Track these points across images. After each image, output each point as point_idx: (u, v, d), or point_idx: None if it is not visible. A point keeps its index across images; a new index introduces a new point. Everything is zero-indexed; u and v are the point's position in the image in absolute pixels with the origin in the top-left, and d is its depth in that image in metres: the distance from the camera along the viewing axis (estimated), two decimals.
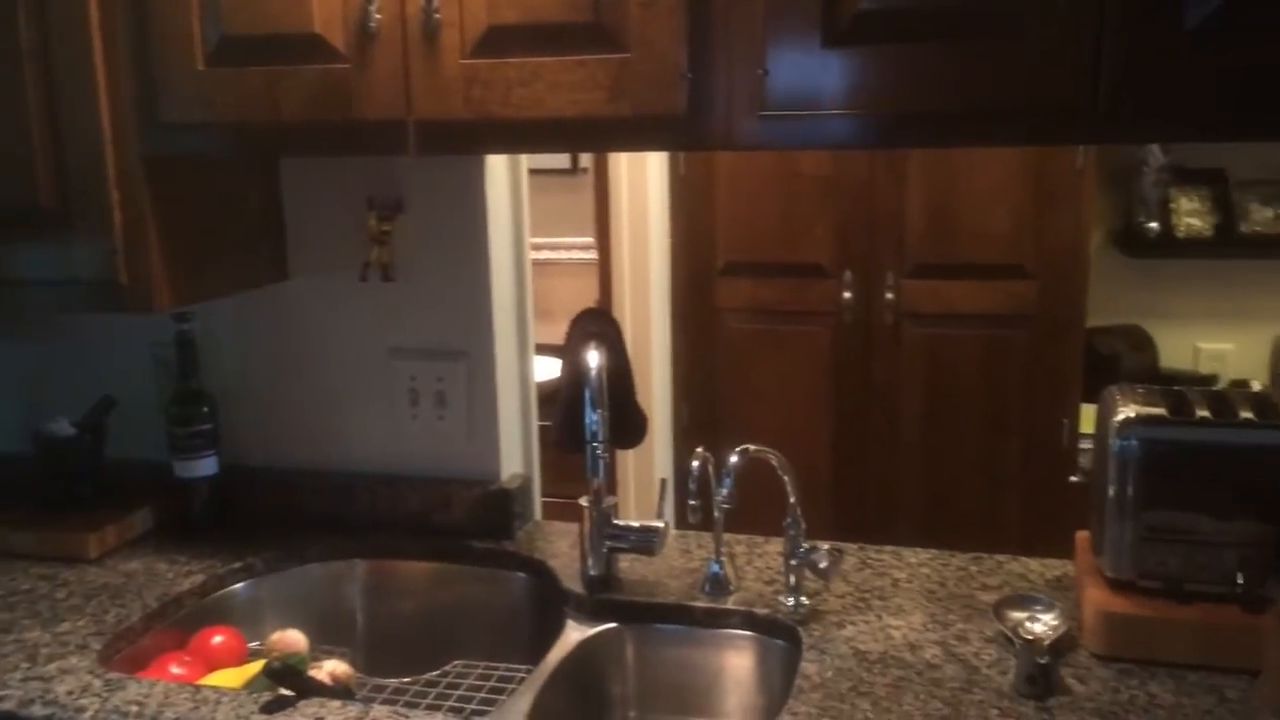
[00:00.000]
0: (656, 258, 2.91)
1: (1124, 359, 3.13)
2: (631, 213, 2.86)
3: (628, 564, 1.66)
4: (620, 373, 1.47)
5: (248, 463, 1.89)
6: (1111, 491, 1.41)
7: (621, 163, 2.84)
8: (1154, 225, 3.09)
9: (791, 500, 1.50)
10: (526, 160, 1.86)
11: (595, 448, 1.40)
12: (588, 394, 1.40)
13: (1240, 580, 1.35)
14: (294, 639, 1.58)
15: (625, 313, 2.92)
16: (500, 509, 1.79)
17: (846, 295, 2.80)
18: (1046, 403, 2.73)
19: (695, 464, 1.47)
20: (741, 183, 2.85)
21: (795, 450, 2.91)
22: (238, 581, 1.70)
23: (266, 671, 1.36)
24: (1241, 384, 3.19)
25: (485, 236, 1.75)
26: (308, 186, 1.80)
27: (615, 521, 1.58)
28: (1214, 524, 1.37)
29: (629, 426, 1.50)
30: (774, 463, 1.48)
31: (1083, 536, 1.59)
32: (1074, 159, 2.61)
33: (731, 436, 2.94)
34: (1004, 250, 2.69)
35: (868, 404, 2.84)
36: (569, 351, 1.50)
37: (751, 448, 1.47)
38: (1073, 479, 2.74)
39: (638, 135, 1.36)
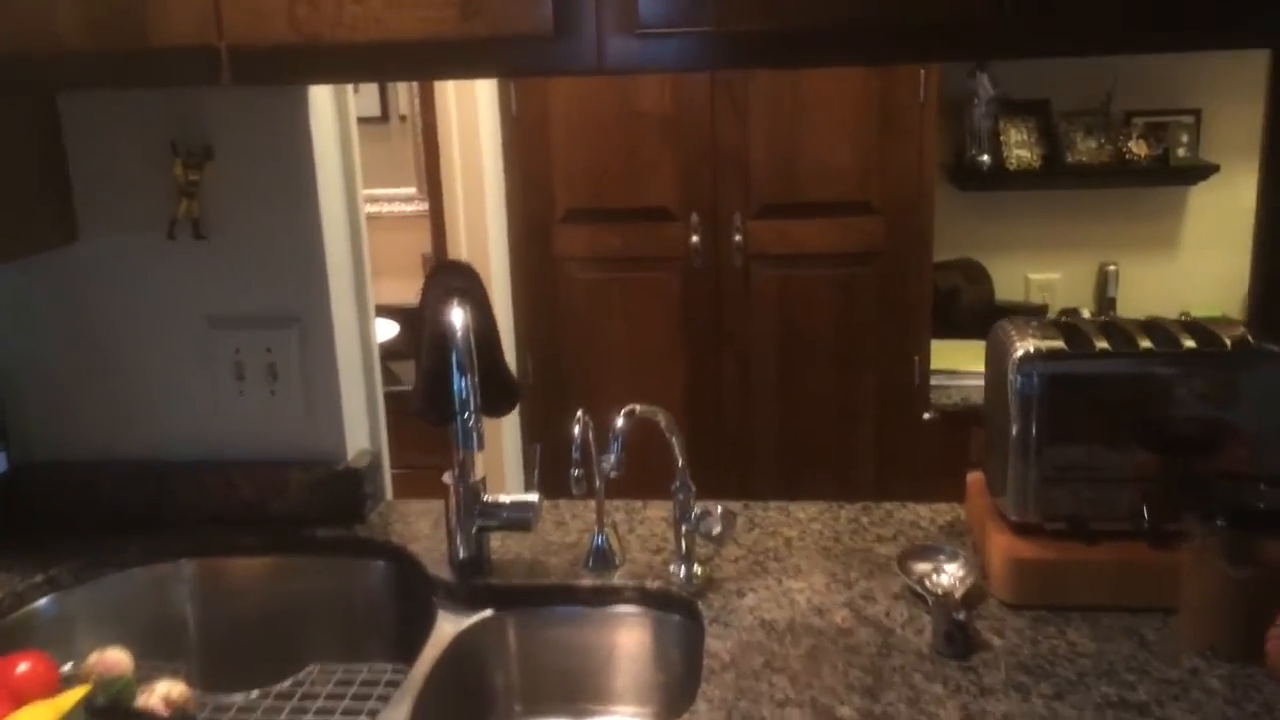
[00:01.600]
0: (493, 206, 2.72)
1: (963, 293, 3.14)
2: (464, 159, 2.65)
3: (499, 543, 1.50)
4: (487, 333, 1.31)
5: (44, 457, 1.63)
6: (1014, 431, 1.34)
7: (450, 104, 2.62)
8: (985, 158, 3.10)
9: (680, 463, 1.37)
10: (353, 95, 1.65)
11: (466, 419, 1.23)
12: (454, 358, 1.23)
13: (1146, 515, 1.31)
14: (116, 659, 1.35)
15: None
16: (349, 491, 1.60)
17: (694, 239, 2.68)
18: (897, 340, 2.71)
19: (577, 429, 1.32)
20: (578, 124, 2.68)
21: (647, 401, 2.80)
22: (40, 597, 1.46)
23: (89, 709, 1.14)
24: (1071, 312, 3.27)
25: (313, 183, 1.53)
26: (97, 130, 1.54)
27: (484, 498, 1.42)
28: (1117, 459, 1.32)
29: (500, 392, 1.34)
30: (661, 423, 1.35)
31: (975, 479, 1.53)
32: (918, 91, 2.56)
33: (579, 392, 2.81)
34: (850, 187, 2.63)
35: (719, 350, 2.75)
36: (427, 310, 1.32)
37: (638, 408, 1.33)
38: (926, 416, 2.74)
39: (496, 58, 1.19)
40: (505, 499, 1.43)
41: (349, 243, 1.63)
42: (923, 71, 2.56)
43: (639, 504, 1.62)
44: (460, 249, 2.72)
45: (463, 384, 1.23)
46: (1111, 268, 3.28)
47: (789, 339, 2.73)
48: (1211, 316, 3.41)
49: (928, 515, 1.59)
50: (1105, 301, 3.29)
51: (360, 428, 1.67)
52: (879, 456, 2.77)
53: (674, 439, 1.36)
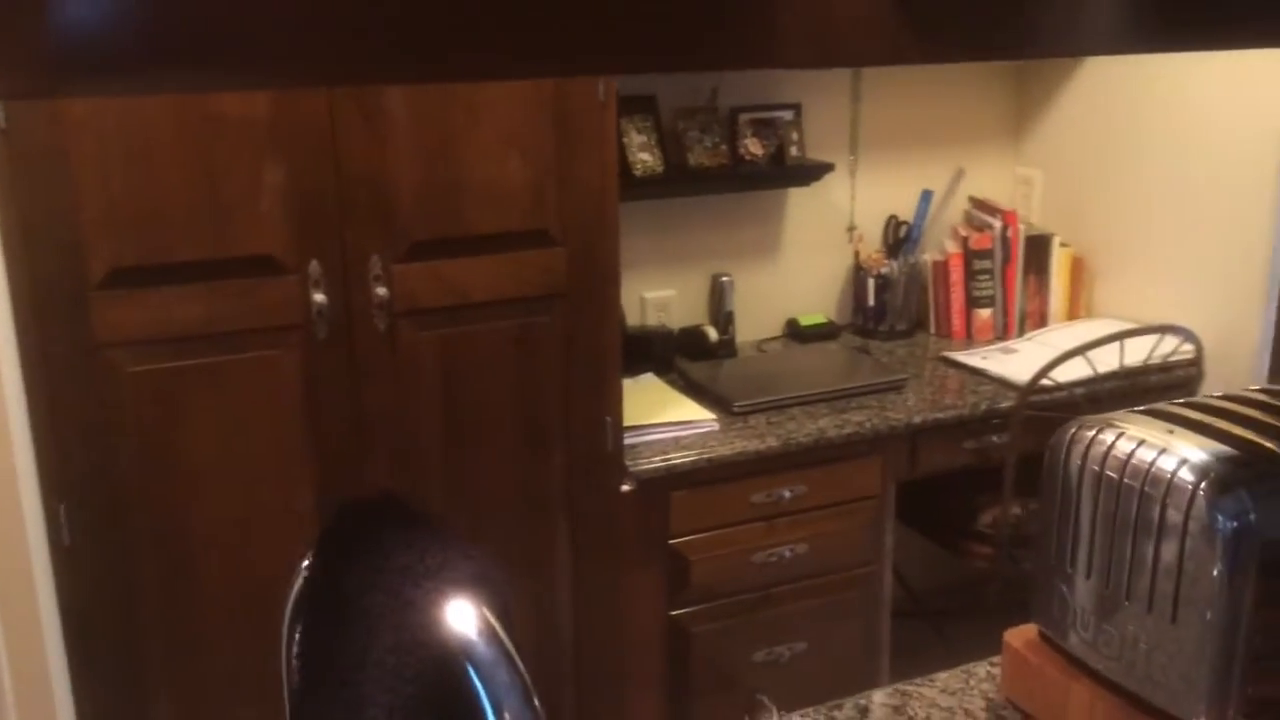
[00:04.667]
0: None
1: None
2: None
3: None
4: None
5: None
6: (1209, 608, 0.89)
7: None
8: None
9: None
10: None
11: None
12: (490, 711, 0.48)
13: None
14: None
15: None
16: None
17: (317, 298, 1.89)
18: (586, 401, 2.15)
19: None
20: (115, 139, 1.74)
21: (261, 530, 1.96)
22: None
23: None
24: (693, 331, 2.95)
25: None
26: None
27: None
28: None
29: None
30: None
31: (1025, 640, 1.07)
32: (596, 89, 2.01)
33: (148, 550, 1.89)
34: (524, 212, 2.01)
35: (362, 445, 1.98)
36: (379, 642, 0.53)
37: None
38: (625, 488, 2.22)
39: None
40: None
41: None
42: None
43: None
44: None
45: None
46: (725, 279, 3.01)
47: (455, 418, 2.06)
48: (817, 322, 3.23)
49: (950, 703, 1.09)
50: (724, 316, 3.01)
51: None
52: (574, 544, 2.21)
53: None
